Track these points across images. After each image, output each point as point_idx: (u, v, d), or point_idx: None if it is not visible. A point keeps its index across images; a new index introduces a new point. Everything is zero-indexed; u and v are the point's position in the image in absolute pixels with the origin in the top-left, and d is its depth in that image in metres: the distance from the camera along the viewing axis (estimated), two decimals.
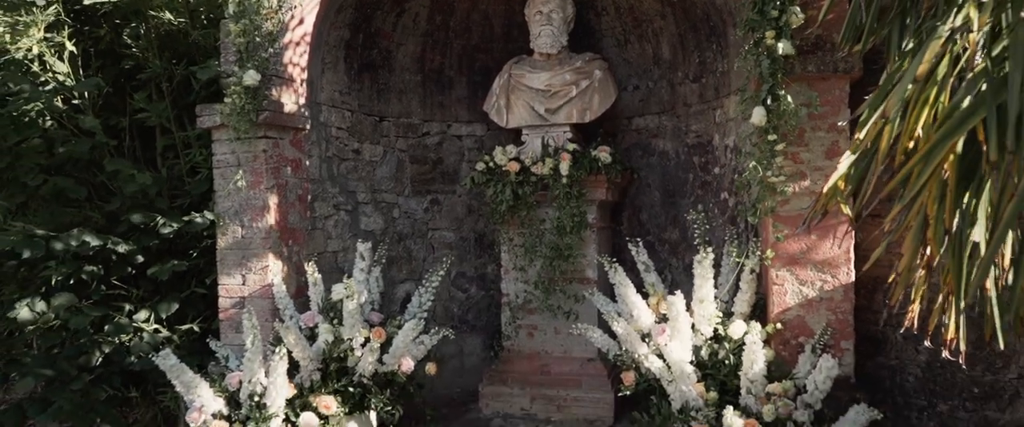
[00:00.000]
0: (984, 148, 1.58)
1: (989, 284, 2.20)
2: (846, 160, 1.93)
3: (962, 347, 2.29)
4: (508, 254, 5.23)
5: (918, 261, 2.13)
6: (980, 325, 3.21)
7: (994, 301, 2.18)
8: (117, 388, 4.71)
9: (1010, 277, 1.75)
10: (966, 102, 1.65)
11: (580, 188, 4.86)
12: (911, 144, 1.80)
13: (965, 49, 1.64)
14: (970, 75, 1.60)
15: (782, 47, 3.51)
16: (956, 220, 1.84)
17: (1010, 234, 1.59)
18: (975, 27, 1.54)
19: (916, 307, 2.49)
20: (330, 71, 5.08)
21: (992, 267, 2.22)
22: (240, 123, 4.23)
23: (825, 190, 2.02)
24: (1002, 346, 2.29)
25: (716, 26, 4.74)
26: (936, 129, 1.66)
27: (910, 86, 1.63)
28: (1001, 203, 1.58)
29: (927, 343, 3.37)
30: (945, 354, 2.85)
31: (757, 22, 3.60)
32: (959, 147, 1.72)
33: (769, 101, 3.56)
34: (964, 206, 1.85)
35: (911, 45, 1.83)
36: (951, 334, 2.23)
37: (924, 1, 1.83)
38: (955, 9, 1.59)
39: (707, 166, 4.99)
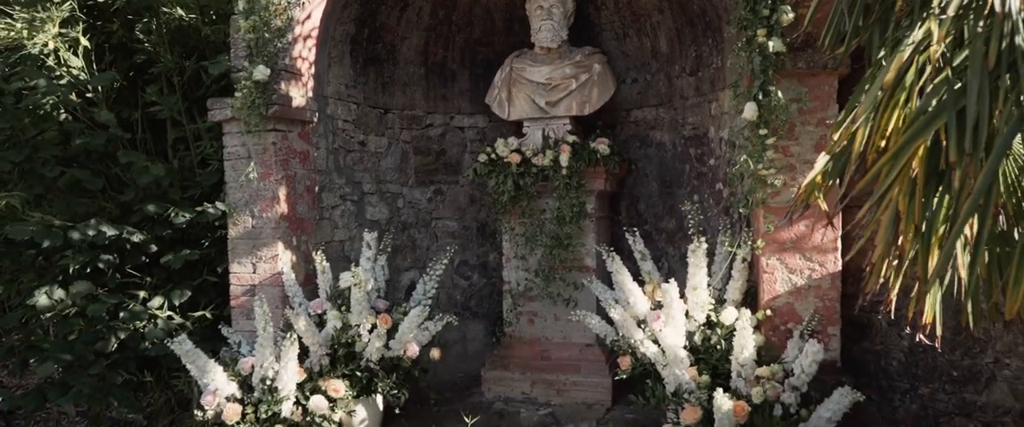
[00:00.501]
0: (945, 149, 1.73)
1: (964, 273, 2.36)
2: (822, 159, 2.08)
3: (938, 332, 2.44)
4: (509, 243, 5.38)
5: (891, 252, 2.29)
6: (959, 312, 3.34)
7: (968, 289, 2.34)
8: (132, 373, 4.89)
9: (964, 272, 1.90)
10: (931, 107, 1.80)
11: (579, 179, 5.01)
12: (883, 144, 1.95)
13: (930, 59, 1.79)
14: (933, 84, 1.75)
15: (773, 45, 3.65)
16: (925, 214, 2.00)
17: (967, 228, 1.74)
18: (934, 40, 1.68)
19: (893, 295, 2.65)
20: (336, 65, 5.22)
21: (966, 257, 2.37)
22: (251, 117, 4.38)
23: (803, 186, 2.17)
24: (971, 328, 2.46)
25: (712, 21, 4.87)
26: (903, 132, 1.81)
27: (879, 93, 1.78)
28: (959, 199, 1.73)
29: (907, 330, 3.53)
30: (920, 338, 3.01)
31: (749, 20, 3.73)
32: (926, 148, 1.87)
33: (760, 97, 3.71)
34: (934, 203, 2.00)
35: (882, 54, 1.97)
36: (928, 318, 2.39)
37: (900, 11, 1.97)
38: (919, 23, 1.74)
39: (703, 157, 5.14)
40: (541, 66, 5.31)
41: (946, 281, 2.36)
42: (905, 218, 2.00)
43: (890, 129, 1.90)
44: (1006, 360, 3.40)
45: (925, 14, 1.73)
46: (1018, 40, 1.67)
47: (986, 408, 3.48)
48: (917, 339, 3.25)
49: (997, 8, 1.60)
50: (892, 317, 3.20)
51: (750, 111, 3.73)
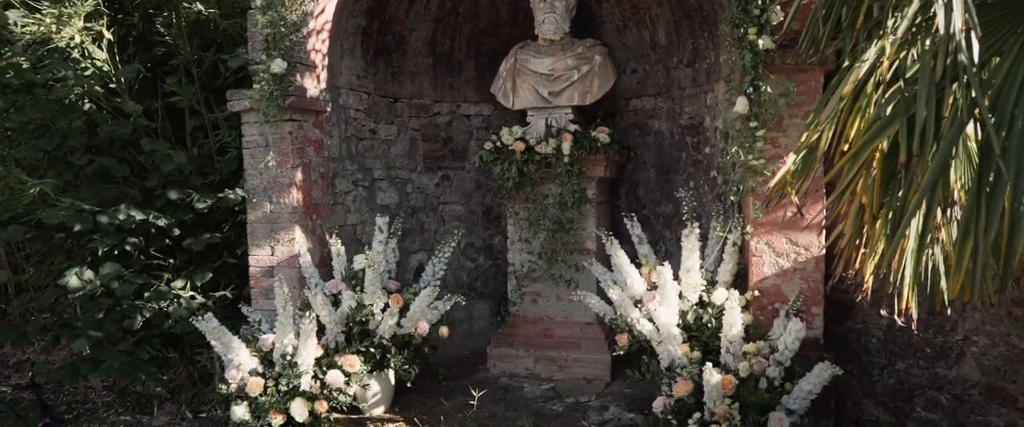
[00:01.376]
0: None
1: (940, 259, 2.62)
2: (791, 158, 2.33)
3: (914, 315, 2.69)
4: (514, 226, 5.65)
5: (859, 240, 2.55)
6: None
7: (942, 274, 2.60)
8: (158, 349, 5.18)
9: (908, 261, 2.14)
10: (887, 114, 2.05)
11: (580, 166, 5.26)
12: (846, 146, 2.20)
13: (888, 70, 2.03)
14: (888, 94, 2.00)
15: (762, 43, 3.88)
16: (884, 206, 2.25)
17: (915, 221, 1.98)
18: (886, 58, 1.92)
19: (868, 279, 2.92)
20: (348, 56, 5.45)
21: (937, 246, 2.63)
22: (268, 107, 4.63)
23: (774, 182, 2.43)
24: (941, 309, 2.72)
25: (708, 15, 5.08)
26: (862, 135, 2.06)
27: (842, 101, 2.03)
28: (908, 194, 1.98)
29: (883, 311, 3.79)
30: (897, 319, 3.27)
31: (741, 19, 3.96)
32: (882, 151, 2.12)
33: (751, 91, 3.94)
34: (900, 198, 2.25)
35: (846, 64, 2.21)
36: (907, 302, 2.63)
37: (860, 26, 2.21)
38: (875, 40, 1.98)
39: (699, 146, 5.38)
40: (544, 57, 5.54)
41: (917, 266, 2.61)
42: (867, 210, 2.25)
43: (853, 133, 2.15)
44: (974, 338, 3.67)
45: (880, 32, 1.97)
46: (961, 57, 1.91)
47: (955, 382, 3.75)
48: (895, 319, 3.52)
49: (941, 29, 1.84)
50: (869, 299, 3.46)
51: (741, 105, 3.96)
